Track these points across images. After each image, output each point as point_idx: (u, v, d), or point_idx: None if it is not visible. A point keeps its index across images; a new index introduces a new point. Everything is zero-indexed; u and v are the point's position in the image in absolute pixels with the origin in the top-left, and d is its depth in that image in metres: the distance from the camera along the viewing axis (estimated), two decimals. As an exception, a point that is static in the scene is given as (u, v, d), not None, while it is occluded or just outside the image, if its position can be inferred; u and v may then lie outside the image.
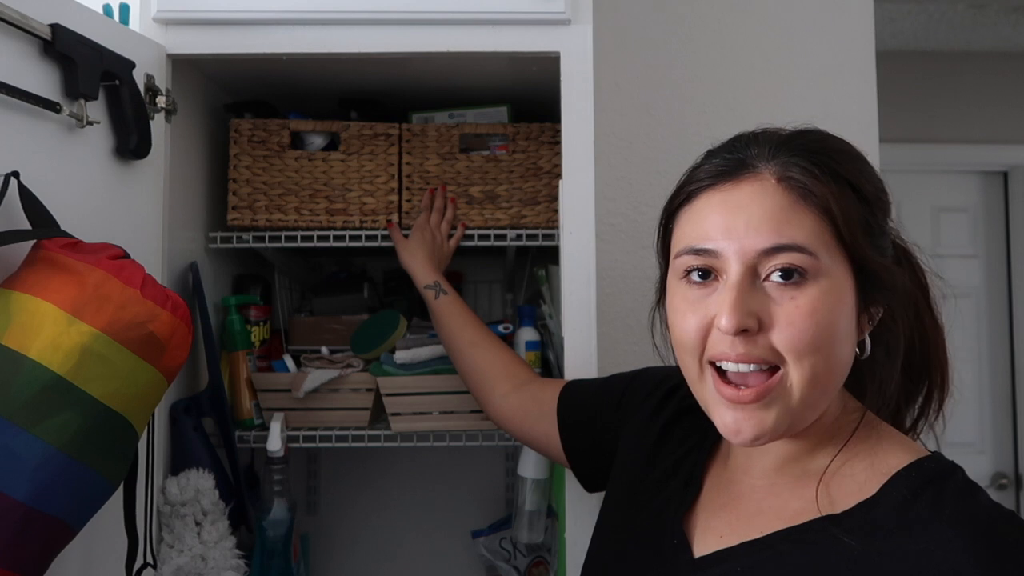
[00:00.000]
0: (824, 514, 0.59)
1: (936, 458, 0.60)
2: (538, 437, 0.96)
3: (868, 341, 0.63)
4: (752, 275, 0.59)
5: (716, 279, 0.61)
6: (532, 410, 0.96)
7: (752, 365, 0.59)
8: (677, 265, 0.64)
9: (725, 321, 0.58)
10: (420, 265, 1.13)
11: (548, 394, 0.95)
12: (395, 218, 1.20)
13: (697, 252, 0.61)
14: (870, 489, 0.59)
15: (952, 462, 0.60)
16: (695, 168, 0.66)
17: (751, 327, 0.58)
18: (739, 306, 0.57)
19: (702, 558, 0.65)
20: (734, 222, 0.60)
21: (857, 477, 0.61)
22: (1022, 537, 0.53)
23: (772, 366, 0.59)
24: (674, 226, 0.66)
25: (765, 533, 0.62)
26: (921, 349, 0.69)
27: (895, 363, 0.63)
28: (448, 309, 1.09)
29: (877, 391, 0.63)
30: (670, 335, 0.67)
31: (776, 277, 0.58)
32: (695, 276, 0.62)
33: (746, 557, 0.62)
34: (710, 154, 0.66)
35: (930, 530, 0.54)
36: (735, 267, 0.59)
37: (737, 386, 0.59)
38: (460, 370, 1.08)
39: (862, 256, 0.59)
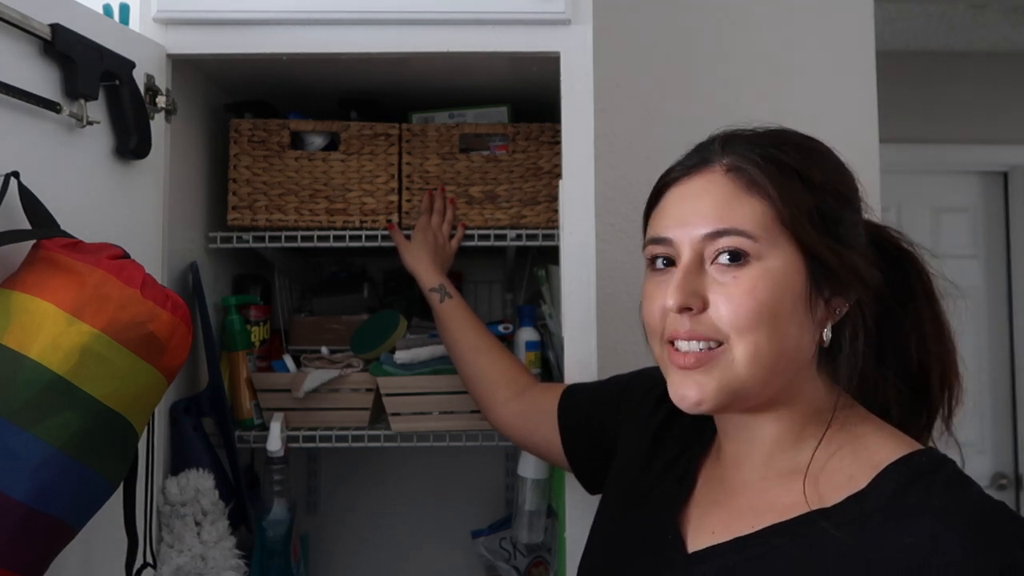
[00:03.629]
0: (815, 508, 0.60)
1: (928, 452, 0.61)
2: (539, 442, 0.96)
3: (829, 330, 0.64)
4: (699, 260, 0.63)
5: (675, 266, 0.65)
6: (532, 415, 0.97)
7: (701, 343, 0.62)
8: (645, 255, 0.69)
9: (670, 300, 0.62)
10: (424, 267, 1.13)
11: (548, 399, 0.95)
12: (395, 218, 1.20)
13: (656, 241, 0.67)
14: (860, 482, 0.60)
15: (944, 455, 0.61)
16: (665, 172, 0.70)
17: (695, 305, 0.62)
18: (683, 286, 0.62)
19: (695, 553, 0.65)
20: (684, 211, 0.65)
21: (846, 470, 0.61)
22: (1012, 528, 0.54)
23: (718, 343, 0.62)
24: (648, 223, 0.71)
25: (757, 528, 0.62)
26: (921, 361, 0.69)
27: (857, 347, 0.64)
28: (452, 313, 1.09)
29: (848, 377, 0.64)
30: None
31: (721, 260, 0.62)
32: (659, 264, 0.67)
33: (739, 552, 0.62)
34: (685, 156, 0.70)
35: (920, 522, 0.55)
36: (685, 252, 0.64)
37: (685, 354, 0.63)
38: (462, 375, 1.09)
39: (809, 242, 0.61)
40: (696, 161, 0.67)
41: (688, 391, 0.63)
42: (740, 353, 0.61)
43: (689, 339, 0.63)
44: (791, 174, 0.62)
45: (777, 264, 0.61)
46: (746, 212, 0.62)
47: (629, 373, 0.91)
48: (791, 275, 0.61)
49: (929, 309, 0.70)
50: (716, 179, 0.64)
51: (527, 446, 1.02)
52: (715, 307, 0.62)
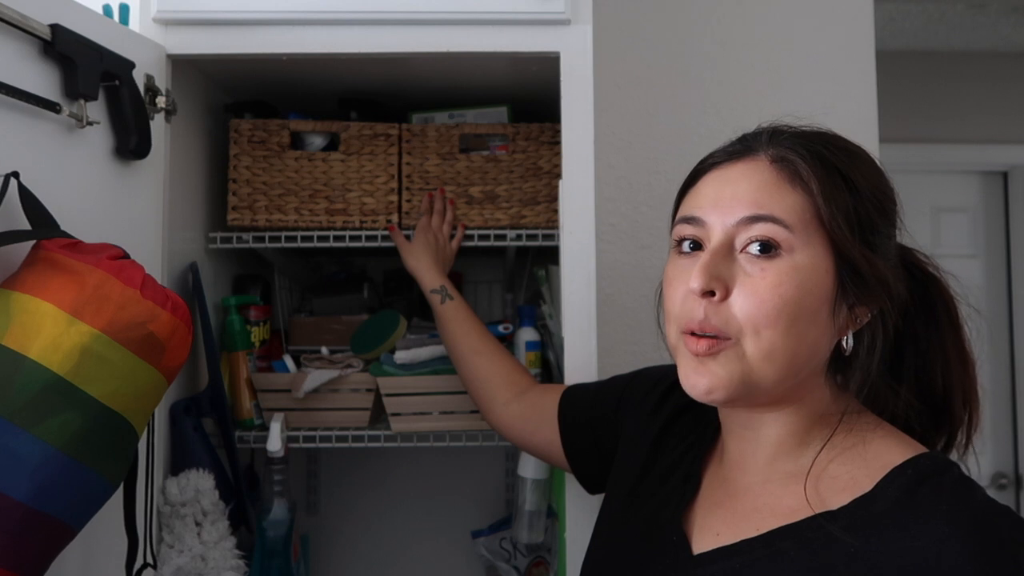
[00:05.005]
0: (819, 511, 0.60)
1: (932, 455, 0.61)
2: (540, 443, 0.96)
3: (851, 338, 0.64)
4: (730, 245, 0.62)
5: (702, 250, 0.64)
6: (533, 417, 0.97)
7: (715, 335, 0.61)
8: (673, 235, 0.67)
9: (694, 282, 0.60)
10: (426, 268, 1.13)
11: (548, 400, 0.95)
12: (395, 218, 1.20)
13: (687, 220, 0.65)
14: (865, 485, 0.59)
15: (948, 459, 0.61)
16: (706, 156, 0.69)
17: (718, 290, 0.60)
18: (708, 268, 0.60)
19: (701, 555, 0.65)
20: (721, 194, 0.63)
21: (849, 473, 0.61)
22: (1017, 532, 0.54)
23: (726, 338, 0.61)
24: (679, 206, 0.69)
25: (762, 531, 0.62)
26: (945, 383, 0.68)
27: (873, 358, 0.63)
28: (453, 315, 1.09)
29: (859, 385, 0.64)
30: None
31: (752, 249, 0.61)
32: (686, 246, 0.65)
33: (744, 555, 0.62)
34: (727, 143, 0.69)
35: (926, 526, 0.55)
36: (716, 235, 0.62)
37: (699, 339, 0.62)
38: (462, 377, 1.09)
39: (843, 243, 0.60)
40: (740, 148, 0.65)
41: (700, 379, 0.62)
42: (753, 349, 0.60)
43: (701, 331, 0.61)
44: (835, 173, 0.61)
45: (807, 261, 0.60)
46: (786, 202, 0.60)
47: (629, 373, 0.90)
48: (820, 275, 0.60)
49: (952, 335, 0.69)
50: (760, 167, 0.63)
51: (528, 448, 1.02)
52: (736, 298, 0.60)
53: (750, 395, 0.63)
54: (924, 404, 0.69)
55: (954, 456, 0.70)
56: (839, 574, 0.56)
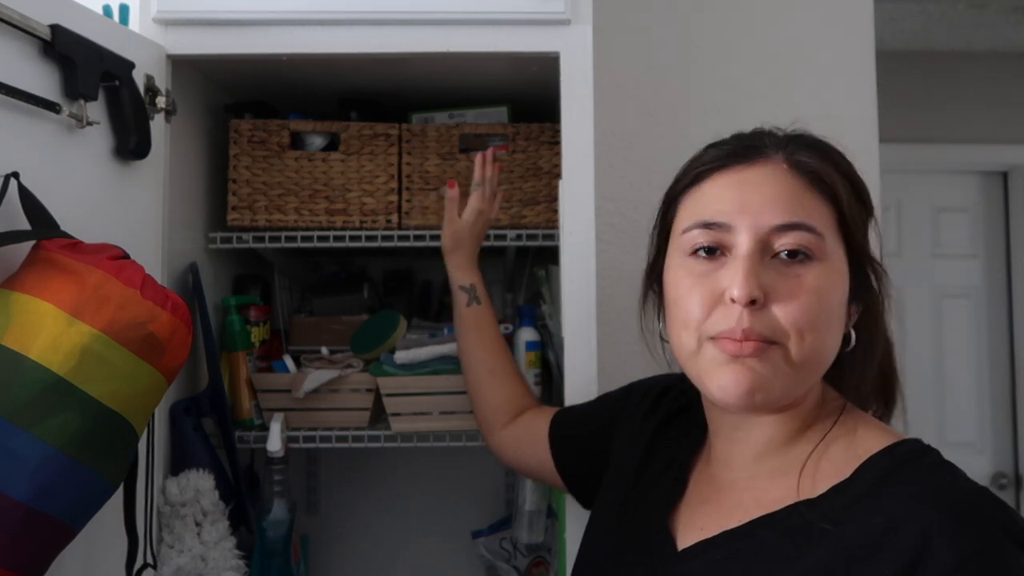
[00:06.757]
0: (800, 499, 0.60)
1: (912, 441, 0.61)
2: (533, 464, 0.97)
3: (852, 334, 0.65)
4: (762, 250, 0.61)
5: (723, 254, 0.62)
6: (525, 438, 0.98)
7: (754, 346, 0.59)
8: (684, 241, 0.65)
9: (737, 291, 0.59)
10: (463, 258, 1.07)
11: (540, 421, 0.96)
12: (395, 218, 1.20)
13: (708, 226, 0.63)
14: (845, 472, 0.60)
15: (928, 445, 0.61)
16: (697, 157, 0.68)
17: (759, 298, 0.59)
18: (751, 276, 0.59)
19: (685, 550, 0.66)
20: (748, 198, 0.62)
21: (834, 462, 0.62)
22: (994, 510, 0.54)
23: (773, 342, 0.60)
24: (678, 208, 0.68)
25: (743, 522, 0.63)
26: (883, 359, 0.70)
27: (874, 359, 0.65)
28: (478, 323, 1.06)
29: (856, 385, 0.65)
30: (662, 316, 0.69)
31: (785, 254, 0.61)
32: (702, 251, 0.63)
33: (725, 546, 0.62)
34: (712, 146, 0.68)
35: (902, 504, 0.55)
36: (747, 241, 0.61)
37: (742, 343, 0.59)
38: (471, 391, 1.07)
39: (860, 246, 0.62)
40: (745, 150, 0.64)
41: (742, 379, 0.59)
42: (796, 353, 0.59)
43: (744, 340, 0.59)
44: (847, 179, 0.63)
45: (834, 265, 0.61)
46: (817, 210, 0.61)
47: (619, 389, 0.91)
48: (843, 278, 0.62)
49: (886, 314, 0.70)
50: (778, 171, 0.62)
51: (523, 469, 1.02)
52: (778, 304, 0.59)
53: (779, 399, 0.62)
54: (878, 375, 0.70)
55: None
56: (814, 556, 0.57)
